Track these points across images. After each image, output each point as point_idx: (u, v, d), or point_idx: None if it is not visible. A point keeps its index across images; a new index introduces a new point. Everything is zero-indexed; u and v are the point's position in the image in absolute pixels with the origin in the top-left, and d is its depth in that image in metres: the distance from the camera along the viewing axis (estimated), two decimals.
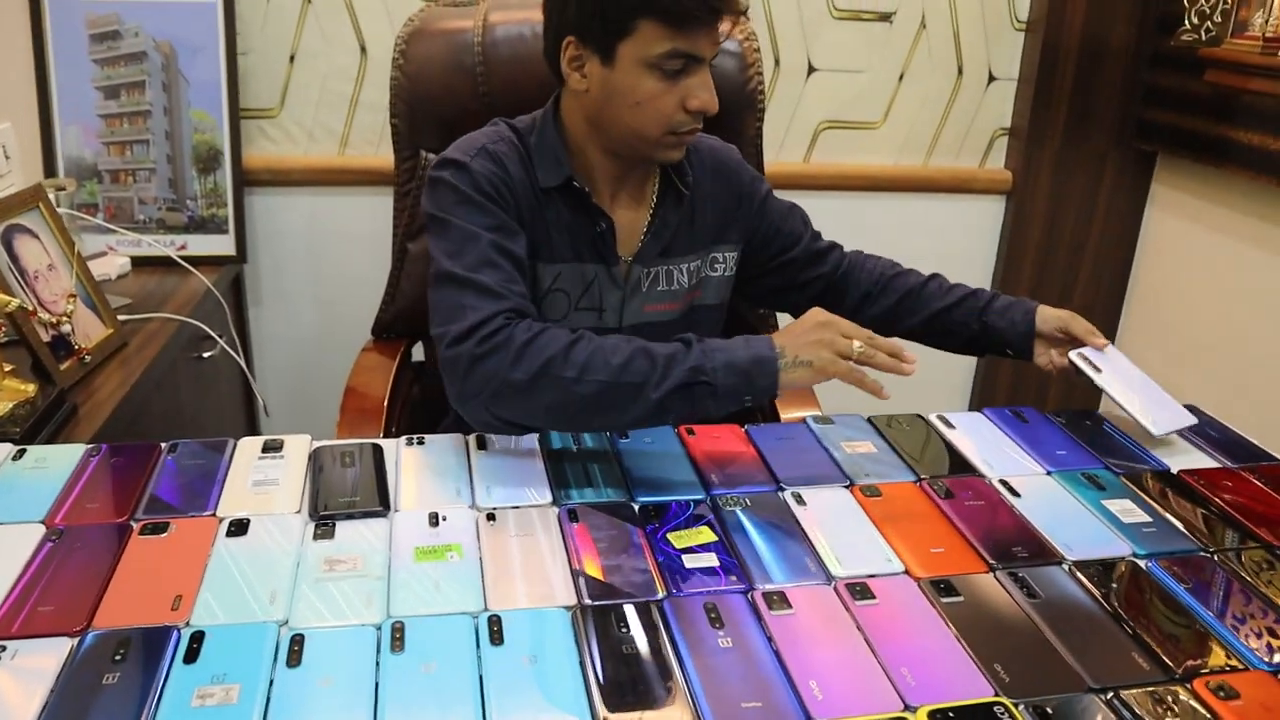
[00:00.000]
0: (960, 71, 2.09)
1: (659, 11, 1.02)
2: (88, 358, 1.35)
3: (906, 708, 0.73)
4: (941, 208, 2.18)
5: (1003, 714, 0.72)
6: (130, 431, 1.32)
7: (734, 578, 0.87)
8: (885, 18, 2.02)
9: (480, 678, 0.73)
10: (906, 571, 0.90)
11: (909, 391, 2.35)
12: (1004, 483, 1.06)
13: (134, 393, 1.34)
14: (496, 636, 0.78)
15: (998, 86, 2.12)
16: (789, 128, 2.08)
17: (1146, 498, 1.04)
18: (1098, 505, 1.02)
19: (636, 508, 0.97)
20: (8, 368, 1.17)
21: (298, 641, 0.76)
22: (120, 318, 1.50)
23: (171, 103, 1.77)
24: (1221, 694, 0.75)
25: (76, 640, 0.76)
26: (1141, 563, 0.93)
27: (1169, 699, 0.75)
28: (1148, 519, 1.00)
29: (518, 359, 0.97)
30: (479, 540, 0.91)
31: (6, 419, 1.13)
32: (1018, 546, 0.94)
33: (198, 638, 0.76)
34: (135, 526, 0.90)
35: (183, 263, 1.68)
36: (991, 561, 0.91)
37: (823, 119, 2.09)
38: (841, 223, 2.15)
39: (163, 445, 1.05)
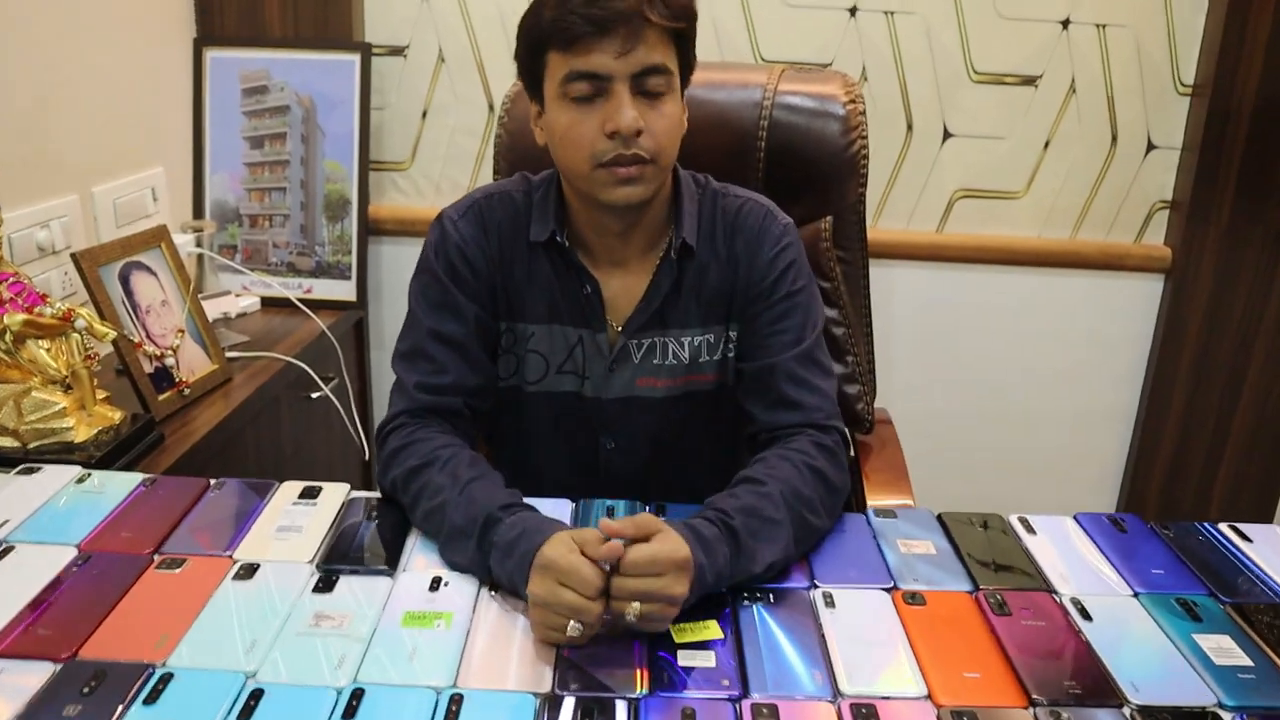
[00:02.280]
0: (1114, 139, 1.93)
1: (551, 37, 0.99)
2: (187, 390, 1.42)
3: None
4: (1090, 285, 2.01)
5: None
6: (215, 464, 1.38)
7: (727, 682, 0.80)
8: (1030, 81, 1.90)
9: None
10: (929, 696, 0.80)
11: (1047, 481, 2.17)
12: (1076, 602, 0.93)
13: (225, 426, 1.40)
14: (453, 716, 0.74)
15: (1158, 155, 1.94)
16: (921, 196, 1.98)
17: (1253, 635, 0.89)
18: (1187, 639, 0.88)
19: None
20: (101, 395, 1.25)
21: (256, 696, 0.75)
22: (232, 355, 1.58)
23: (308, 153, 1.87)
24: None
25: (59, 667, 0.78)
26: (1226, 716, 0.79)
27: None
28: (1247, 662, 0.85)
29: (385, 468, 1.05)
30: (474, 611, 0.88)
31: (90, 443, 1.19)
32: (1072, 681, 0.82)
33: (165, 679, 0.76)
34: (155, 560, 0.93)
35: (302, 306, 1.76)
36: (1034, 696, 0.80)
37: (959, 187, 1.98)
38: (977, 298, 2.03)
39: (211, 481, 1.08)
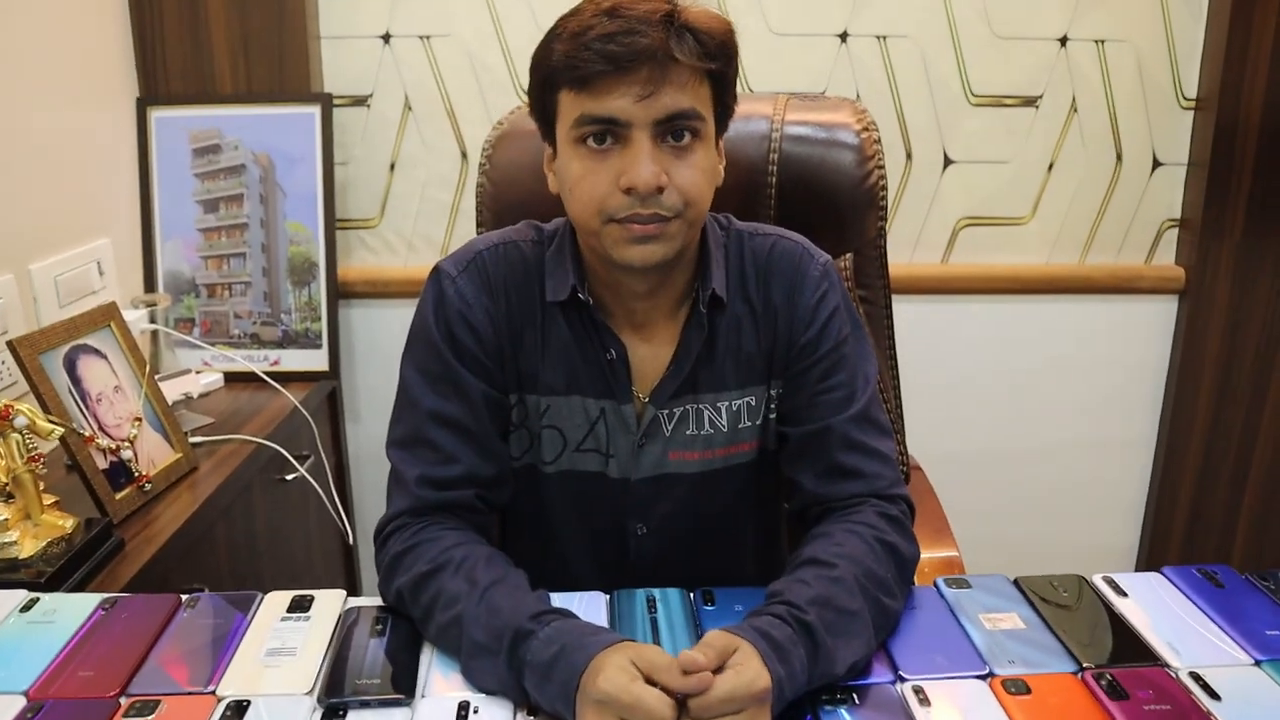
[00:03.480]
0: (1119, 158, 1.86)
1: (562, 74, 0.86)
2: (148, 485, 1.27)
3: None
4: (1102, 310, 1.92)
5: None
6: (184, 568, 1.23)
7: None
8: (1030, 102, 1.82)
9: None
10: None
11: (1068, 516, 2.08)
12: (1196, 676, 0.81)
13: (192, 523, 1.25)
14: None
15: (1164, 173, 1.87)
16: (924, 226, 1.89)
17: None
18: None
19: None
20: (49, 500, 1.09)
21: None
22: (196, 439, 1.43)
23: (268, 214, 1.74)
24: None
25: None
26: None
27: None
28: None
29: (387, 576, 0.91)
30: None
31: (37, 558, 1.04)
32: None
33: None
34: (123, 705, 0.77)
35: (269, 380, 1.61)
36: None
37: (962, 215, 1.89)
38: (987, 330, 1.94)
39: (183, 598, 0.93)
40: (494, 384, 0.97)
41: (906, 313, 1.88)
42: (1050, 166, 1.86)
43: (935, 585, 0.95)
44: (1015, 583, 0.96)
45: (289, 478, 1.56)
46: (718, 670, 0.70)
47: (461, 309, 0.96)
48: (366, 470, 1.95)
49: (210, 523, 1.31)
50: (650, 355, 0.99)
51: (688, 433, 1.00)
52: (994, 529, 2.02)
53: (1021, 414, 1.99)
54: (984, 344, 1.93)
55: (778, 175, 1.27)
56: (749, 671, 0.70)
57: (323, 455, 1.67)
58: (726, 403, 0.99)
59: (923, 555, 1.07)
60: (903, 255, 1.89)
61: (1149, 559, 2.02)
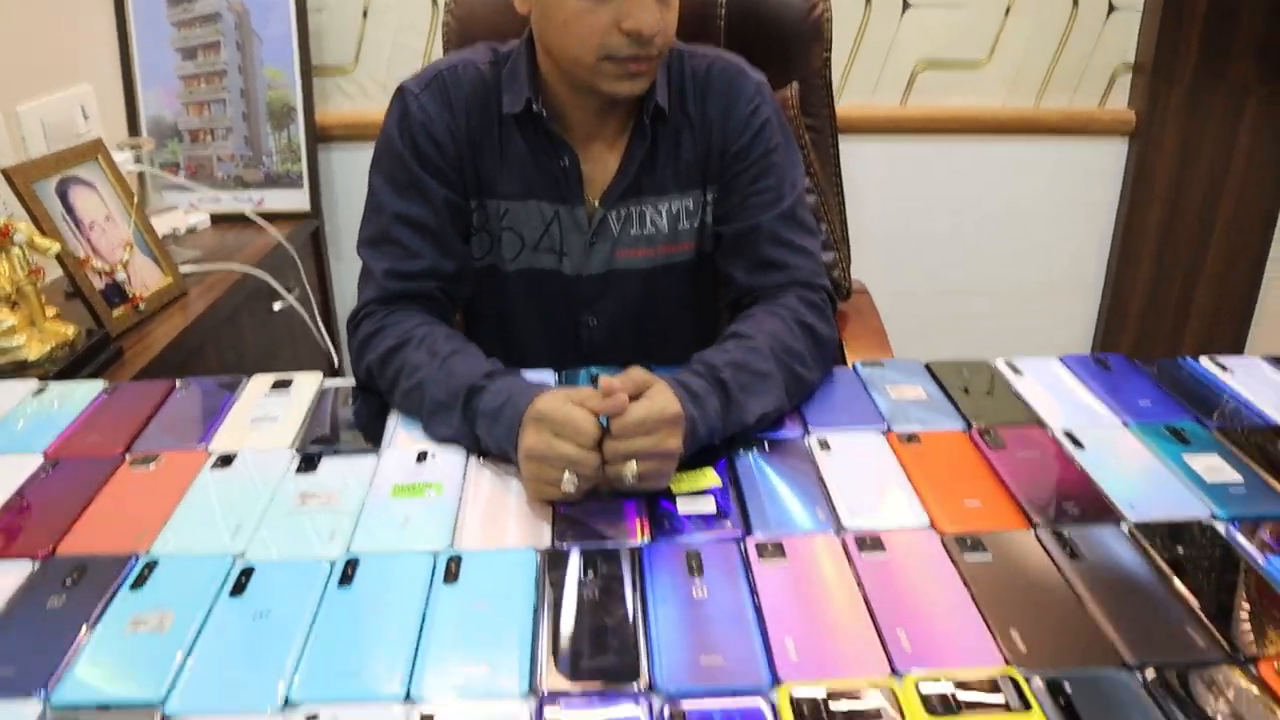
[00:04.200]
0: (1075, 2, 1.90)
1: None
2: (142, 305, 1.37)
3: (894, 673, 0.63)
4: (1056, 151, 1.99)
5: (1007, 687, 0.61)
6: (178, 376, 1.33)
7: (729, 524, 0.79)
8: None
9: (423, 618, 0.68)
10: (932, 525, 0.79)
11: (1022, 335, 2.17)
12: (1068, 434, 0.93)
13: (184, 340, 1.35)
14: (452, 575, 0.72)
15: (1119, 17, 1.91)
16: (883, 69, 1.94)
17: (1241, 455, 0.89)
18: (1178, 460, 0.88)
19: None
20: (51, 312, 1.19)
21: (246, 574, 0.73)
22: (187, 269, 1.52)
23: (245, 61, 1.79)
24: None
25: (37, 564, 0.75)
26: (1220, 526, 0.79)
27: (1222, 681, 0.62)
28: (1237, 478, 0.85)
29: (359, 355, 1.02)
30: (464, 478, 0.85)
31: (45, 359, 1.14)
32: (1070, 502, 0.82)
33: (150, 566, 0.73)
34: (127, 459, 0.89)
35: (256, 218, 1.70)
36: (1035, 519, 0.79)
37: (920, 58, 1.94)
38: (944, 170, 2.01)
39: (177, 382, 1.04)
40: (455, 190, 1.06)
41: (864, 152, 1.96)
42: (1007, 10, 1.90)
43: (853, 367, 1.06)
44: (926, 366, 1.07)
45: (276, 307, 1.66)
46: (635, 399, 0.81)
47: (424, 122, 1.04)
48: (349, 305, 2.04)
49: (200, 342, 1.41)
50: (599, 162, 1.08)
51: (633, 233, 1.10)
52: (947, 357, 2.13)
53: (977, 249, 2.08)
54: (941, 183, 2.01)
55: (727, 7, 1.32)
56: (660, 397, 0.81)
57: (308, 289, 1.77)
58: (667, 205, 1.09)
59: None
60: (862, 97, 1.95)
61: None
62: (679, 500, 0.82)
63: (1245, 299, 2.09)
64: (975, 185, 2.01)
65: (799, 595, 0.70)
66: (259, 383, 1.03)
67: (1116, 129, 1.97)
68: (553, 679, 0.63)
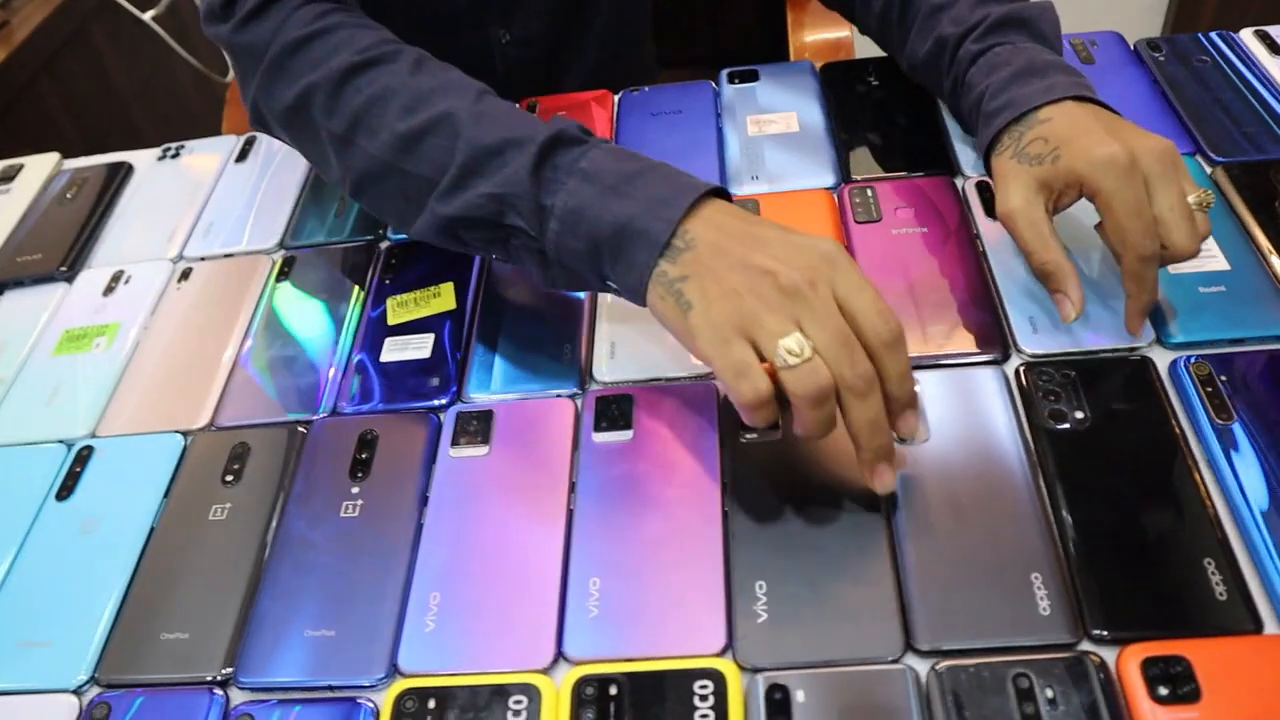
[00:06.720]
0: None
1: None
2: None
3: None
4: None
5: None
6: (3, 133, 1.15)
7: None
8: None
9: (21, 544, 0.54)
10: None
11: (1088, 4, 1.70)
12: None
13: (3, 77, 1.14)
14: (74, 478, 0.56)
15: None
16: None
17: (1240, 207, 0.61)
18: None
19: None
20: None
21: None
22: None
23: None
24: None
25: None
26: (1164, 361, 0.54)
27: None
28: (1225, 267, 0.58)
29: (278, 74, 0.60)
30: (152, 315, 0.67)
31: None
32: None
33: None
34: None
35: None
36: None
37: None
38: None
39: None
40: None
41: None
42: None
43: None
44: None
45: (148, 16, 1.40)
46: None
47: None
48: None
49: (29, 77, 1.20)
50: None
51: None
52: None
53: None
54: None
55: None
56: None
57: None
58: None
59: None
60: None
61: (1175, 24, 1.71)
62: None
63: None
64: None
65: None
66: None
67: None
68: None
